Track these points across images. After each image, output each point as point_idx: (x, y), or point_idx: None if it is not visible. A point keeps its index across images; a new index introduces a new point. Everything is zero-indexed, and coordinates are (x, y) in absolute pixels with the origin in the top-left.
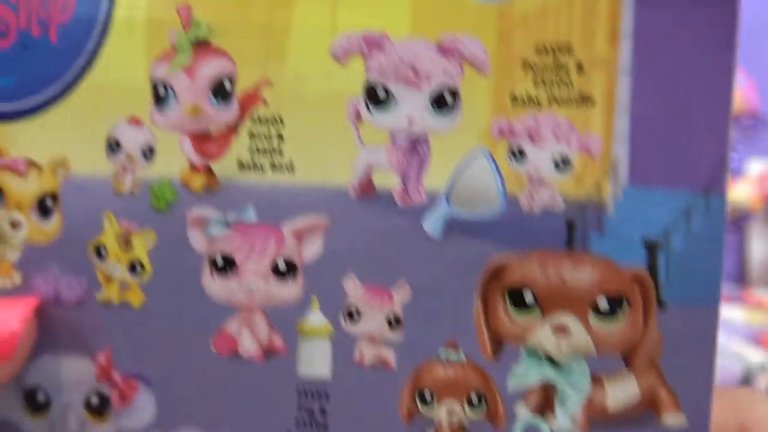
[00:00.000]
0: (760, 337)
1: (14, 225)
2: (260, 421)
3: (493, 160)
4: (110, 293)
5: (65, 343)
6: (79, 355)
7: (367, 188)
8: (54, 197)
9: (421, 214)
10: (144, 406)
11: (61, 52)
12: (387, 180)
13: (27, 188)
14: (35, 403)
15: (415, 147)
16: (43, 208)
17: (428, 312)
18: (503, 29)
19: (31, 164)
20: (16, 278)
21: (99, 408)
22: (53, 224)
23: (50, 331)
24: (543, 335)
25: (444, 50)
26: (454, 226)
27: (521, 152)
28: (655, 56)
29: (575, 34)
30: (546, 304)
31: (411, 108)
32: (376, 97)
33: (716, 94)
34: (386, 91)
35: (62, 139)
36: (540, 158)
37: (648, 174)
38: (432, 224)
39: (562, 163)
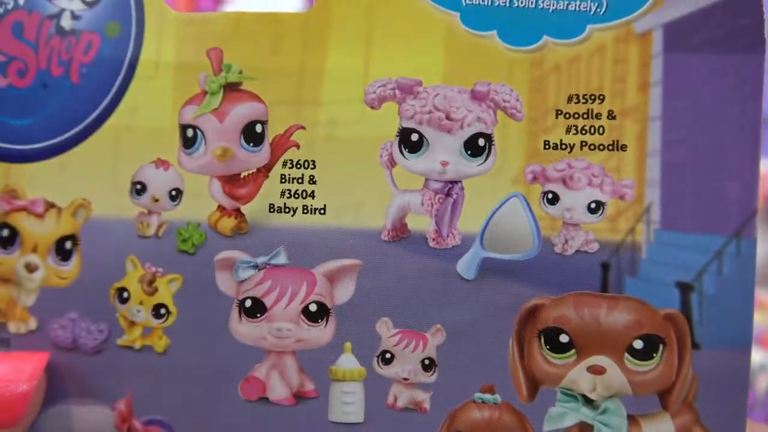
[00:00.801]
0: (761, 338)
1: (30, 268)
2: None
3: (527, 204)
4: (132, 338)
5: (82, 390)
6: (96, 402)
7: (400, 231)
8: (74, 239)
9: (455, 256)
10: None
11: (83, 92)
12: (421, 222)
13: (45, 230)
14: None
15: (449, 190)
16: (62, 251)
17: (463, 354)
18: (535, 78)
19: (50, 206)
20: (32, 323)
21: None
22: (72, 267)
23: (65, 379)
24: (579, 376)
25: (477, 97)
26: (488, 268)
27: (555, 196)
28: (685, 103)
29: (606, 83)
30: (581, 345)
31: (444, 152)
32: (409, 141)
33: (745, 140)
34: (420, 136)
35: (83, 181)
36: (574, 202)
37: (680, 218)
38: (466, 266)
39: (596, 207)
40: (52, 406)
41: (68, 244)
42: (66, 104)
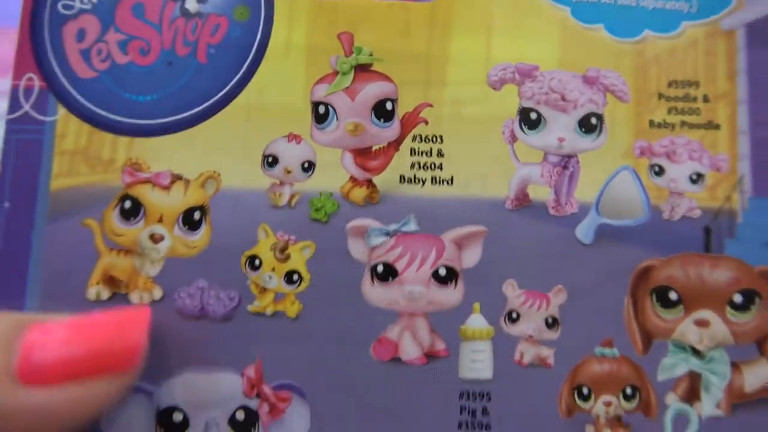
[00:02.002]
0: None
1: (156, 239)
2: (423, 426)
3: (637, 176)
4: (264, 304)
5: (209, 358)
6: (224, 369)
7: (523, 200)
8: (203, 210)
9: (573, 223)
10: (297, 419)
11: (210, 71)
12: (541, 193)
13: (171, 202)
14: (171, 425)
15: (566, 164)
16: (190, 221)
17: (583, 313)
18: (639, 65)
19: (177, 178)
20: (156, 293)
21: (245, 424)
22: (201, 237)
23: (192, 347)
24: (687, 329)
25: (589, 81)
26: (603, 234)
27: (661, 169)
28: (766, 90)
29: (700, 71)
30: (688, 301)
31: (561, 130)
32: (529, 119)
33: None
34: (538, 115)
35: (212, 154)
36: (677, 174)
37: None
38: (584, 232)
39: (697, 178)
40: (179, 374)
41: (197, 215)
42: (192, 82)
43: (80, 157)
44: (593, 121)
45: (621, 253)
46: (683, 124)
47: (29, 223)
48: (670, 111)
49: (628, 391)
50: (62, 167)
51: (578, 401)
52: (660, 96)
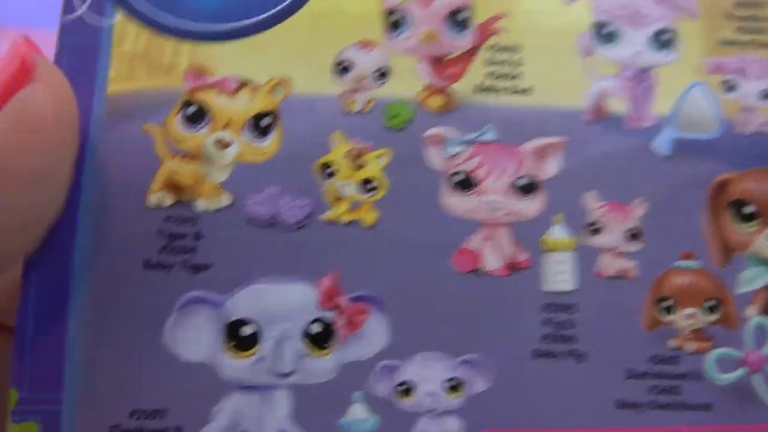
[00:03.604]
0: None
1: (223, 144)
2: (506, 339)
3: (709, 91)
4: (339, 212)
5: (281, 268)
6: (298, 280)
7: (600, 113)
8: (273, 116)
9: (650, 136)
10: (375, 331)
11: None
12: (618, 105)
13: (238, 107)
14: (240, 338)
15: (641, 77)
16: (259, 127)
17: (664, 225)
18: None
19: (244, 83)
20: (225, 199)
21: (321, 337)
22: (270, 143)
23: (263, 255)
24: (764, 243)
25: None
26: (680, 148)
27: (731, 85)
28: None
29: None
30: (765, 215)
31: (634, 44)
32: (603, 33)
33: None
34: (613, 29)
35: (280, 60)
36: (748, 90)
37: None
38: (661, 145)
39: (767, 95)
40: (248, 285)
41: (265, 121)
42: None
43: (139, 61)
44: (665, 36)
45: (698, 166)
46: (752, 42)
47: (85, 127)
48: (738, 30)
49: (710, 303)
50: (120, 71)
51: (661, 314)
52: (729, 15)
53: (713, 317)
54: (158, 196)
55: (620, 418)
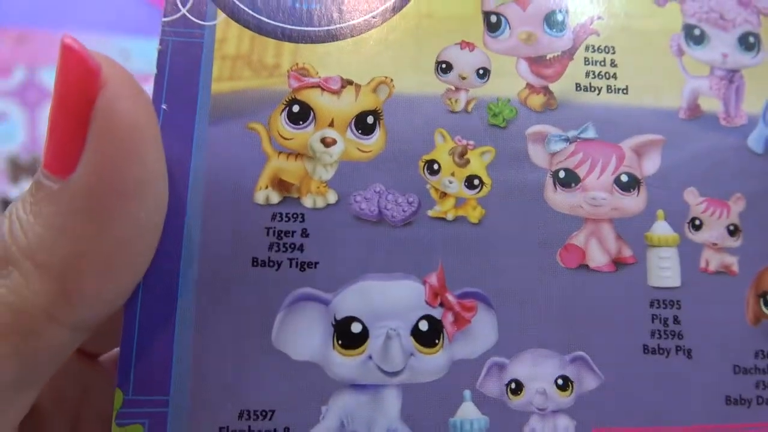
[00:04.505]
0: None
1: (327, 143)
2: (615, 335)
3: None
4: (445, 209)
5: (390, 264)
6: (405, 277)
7: (694, 111)
8: (376, 114)
9: (743, 134)
10: (483, 329)
11: None
12: (711, 105)
13: (342, 106)
14: (349, 336)
15: (732, 78)
16: (364, 125)
17: (762, 220)
18: None
19: (347, 83)
20: (331, 197)
21: (430, 335)
22: (376, 141)
23: (371, 252)
24: None
25: (743, 3)
26: None
27: None
28: None
29: None
30: None
31: (723, 46)
32: (693, 35)
33: None
34: (701, 31)
35: (381, 60)
36: None
37: None
38: (755, 142)
39: None
40: (356, 282)
41: (370, 119)
42: None
43: (242, 61)
44: (751, 39)
45: None
46: None
47: (189, 126)
48: None
49: None
50: (223, 71)
51: (764, 309)
52: None
53: None
54: (265, 194)
55: (730, 414)
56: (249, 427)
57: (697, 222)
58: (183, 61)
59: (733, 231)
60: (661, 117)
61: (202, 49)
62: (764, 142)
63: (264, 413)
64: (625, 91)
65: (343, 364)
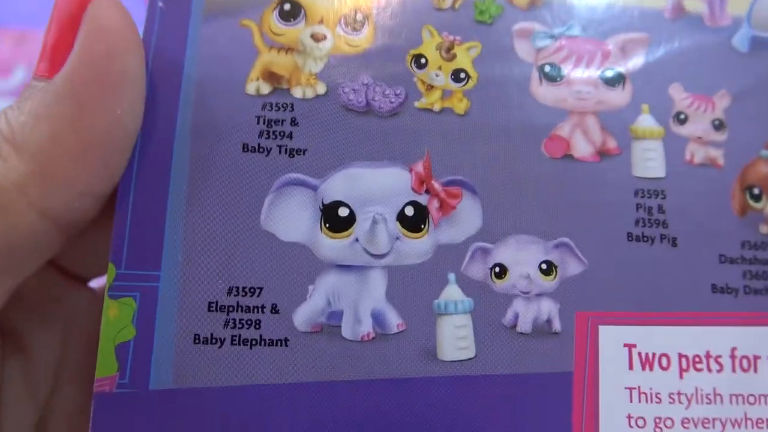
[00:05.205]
0: None
1: (317, 38)
2: (599, 222)
3: None
4: (431, 100)
5: (377, 152)
6: (391, 165)
7: (679, 11)
8: (365, 13)
9: (728, 34)
10: (468, 215)
11: None
12: (696, 5)
13: (332, 4)
14: (336, 219)
15: None
16: (353, 22)
17: (746, 117)
18: None
19: None
20: (320, 88)
21: (415, 220)
22: (364, 36)
23: (359, 141)
24: None
25: None
26: (758, 45)
27: None
28: None
29: None
30: None
31: None
32: None
33: None
34: None
35: None
36: None
37: None
38: (739, 41)
39: None
40: (344, 169)
41: (359, 16)
42: None
43: None
44: None
45: None
46: None
47: (184, 23)
48: None
49: None
50: None
51: (750, 201)
52: None
53: None
54: (256, 85)
55: (716, 303)
56: (237, 302)
57: (682, 116)
58: None
59: (718, 126)
60: (646, 16)
61: None
62: (749, 42)
63: (252, 290)
64: None
65: (331, 246)
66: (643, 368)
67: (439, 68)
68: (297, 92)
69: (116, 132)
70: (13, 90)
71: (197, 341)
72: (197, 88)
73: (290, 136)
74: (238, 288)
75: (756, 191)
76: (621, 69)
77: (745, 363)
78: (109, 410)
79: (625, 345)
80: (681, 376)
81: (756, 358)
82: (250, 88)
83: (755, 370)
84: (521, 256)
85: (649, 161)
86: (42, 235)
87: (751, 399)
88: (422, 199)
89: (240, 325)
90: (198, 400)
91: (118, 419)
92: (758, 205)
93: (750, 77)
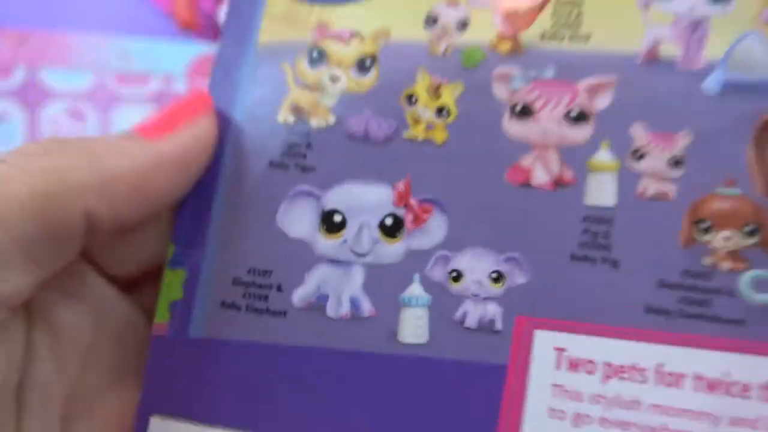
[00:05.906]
0: None
1: (333, 79)
2: (546, 242)
3: (764, 39)
4: (417, 132)
5: (369, 172)
6: (380, 183)
7: (653, 56)
8: (373, 58)
9: (701, 78)
10: (436, 228)
11: None
12: (671, 50)
13: (348, 51)
14: (332, 223)
15: (696, 27)
16: (363, 66)
17: (707, 155)
18: None
19: (355, 34)
20: (331, 119)
21: (392, 228)
22: (370, 78)
23: (356, 162)
24: None
25: None
26: (730, 88)
27: None
28: None
29: None
30: None
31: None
32: None
33: None
34: None
35: (385, 16)
36: None
37: None
38: (711, 84)
39: None
40: (342, 184)
41: (368, 62)
42: None
43: (281, 19)
44: None
45: (746, 103)
46: None
47: (239, 66)
48: None
49: (749, 228)
50: (268, 26)
51: (698, 234)
52: None
53: (752, 241)
54: (284, 115)
55: (649, 322)
56: (253, 280)
57: (638, 153)
58: (240, 21)
59: (675, 163)
60: (619, 61)
61: (256, 10)
62: (721, 85)
63: (264, 272)
64: (586, 39)
65: (325, 244)
66: (569, 370)
67: (426, 105)
68: (313, 122)
69: (172, 179)
70: (13, 90)
71: (224, 306)
72: (243, 119)
73: (304, 156)
74: (255, 269)
75: (705, 225)
76: (585, 109)
77: (669, 378)
78: (160, 349)
79: (556, 348)
80: (604, 381)
81: (681, 375)
82: (280, 117)
83: (678, 386)
84: (475, 265)
85: (601, 192)
86: (85, 232)
87: (671, 412)
88: (400, 212)
89: (253, 297)
90: (222, 348)
91: (167, 355)
92: (706, 238)
93: (716, 119)
